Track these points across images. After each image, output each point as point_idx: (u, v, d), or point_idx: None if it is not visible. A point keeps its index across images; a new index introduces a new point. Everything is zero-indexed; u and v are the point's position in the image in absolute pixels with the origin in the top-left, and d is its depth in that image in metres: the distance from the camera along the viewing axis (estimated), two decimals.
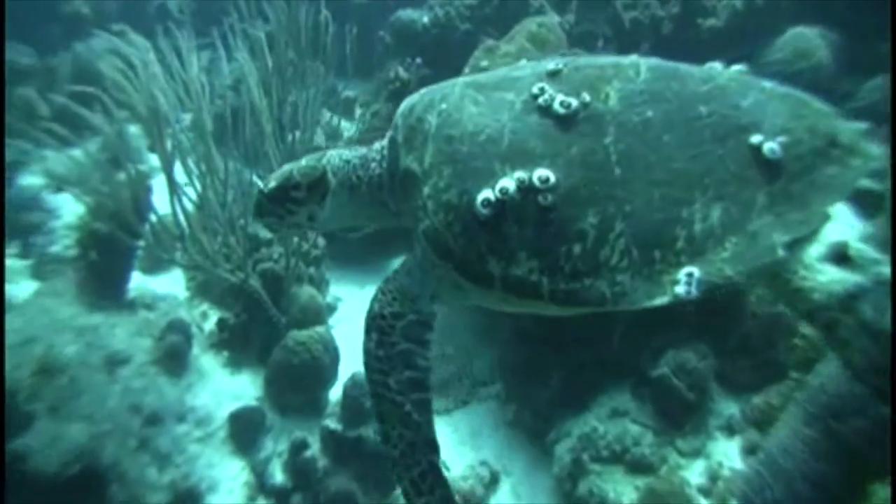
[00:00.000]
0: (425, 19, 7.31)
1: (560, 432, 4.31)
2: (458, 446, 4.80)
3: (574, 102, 1.93)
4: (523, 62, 2.31)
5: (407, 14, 7.47)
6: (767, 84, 1.98)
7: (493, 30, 6.98)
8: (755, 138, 1.84)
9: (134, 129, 8.07)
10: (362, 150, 2.45)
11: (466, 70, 6.21)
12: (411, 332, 2.13)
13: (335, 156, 2.44)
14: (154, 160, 6.95)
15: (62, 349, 4.57)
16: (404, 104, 2.27)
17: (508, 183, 1.89)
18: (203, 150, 4.72)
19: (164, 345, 4.70)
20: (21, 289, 6.45)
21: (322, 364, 4.74)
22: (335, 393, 4.84)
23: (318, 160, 2.43)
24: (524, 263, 1.89)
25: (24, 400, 4.25)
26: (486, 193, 1.92)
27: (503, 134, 1.96)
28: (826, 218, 1.84)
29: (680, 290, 1.78)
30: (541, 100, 1.97)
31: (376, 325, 2.14)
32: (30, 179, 8.15)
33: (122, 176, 5.16)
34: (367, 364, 2.13)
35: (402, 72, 6.94)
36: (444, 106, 2.10)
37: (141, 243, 4.79)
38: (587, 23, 6.78)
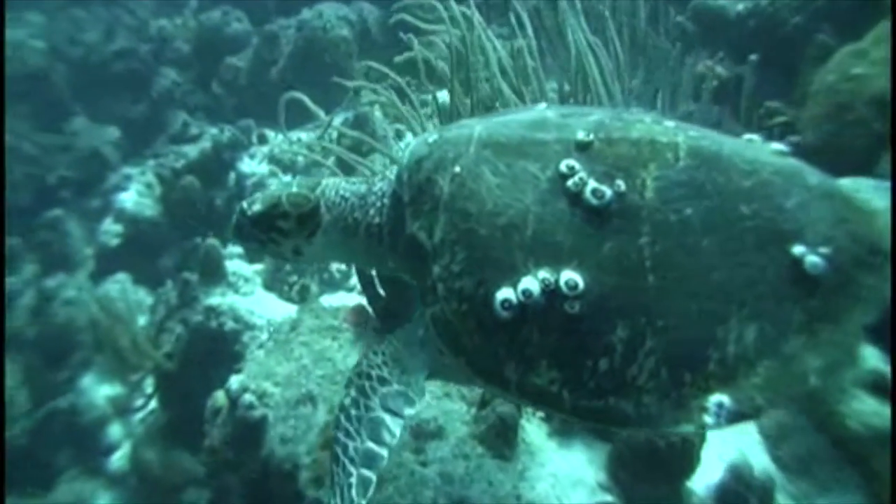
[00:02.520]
0: (740, 7, 6.03)
1: None
2: None
3: (608, 193, 1.83)
4: (543, 107, 2.24)
5: None
6: (812, 179, 1.88)
7: (828, 26, 5.69)
8: (797, 249, 1.76)
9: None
10: (361, 188, 2.37)
11: (830, 77, 4.94)
12: (392, 402, 2.05)
13: (331, 188, 2.37)
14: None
15: None
16: (409, 155, 2.16)
17: (532, 284, 1.81)
18: None
19: (490, 417, 3.60)
20: (257, 302, 5.61)
21: (692, 447, 3.67)
22: (699, 482, 3.78)
23: (311, 189, 2.36)
24: (544, 373, 1.83)
25: (307, 483, 3.43)
26: (507, 293, 1.83)
27: (527, 220, 1.87)
28: (860, 336, 1.79)
29: (709, 419, 1.72)
30: (570, 182, 1.86)
31: (358, 384, 2.09)
32: (249, 165, 7.41)
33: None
34: (337, 421, 2.07)
35: (719, 69, 5.76)
36: (457, 169, 2.01)
37: None
38: None
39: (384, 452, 2.00)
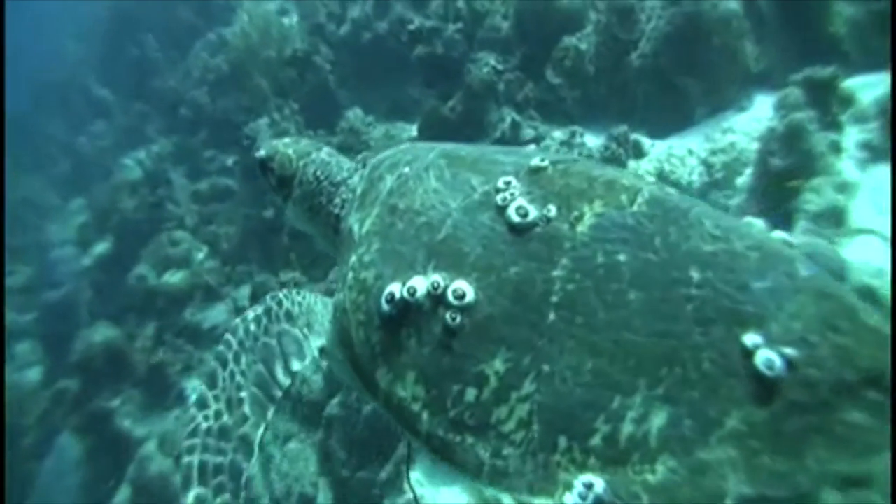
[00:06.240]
0: None
1: None
2: None
3: (532, 213, 1.76)
4: (532, 147, 2.34)
5: None
6: (805, 271, 1.58)
7: None
8: (751, 339, 1.50)
9: None
10: (339, 176, 2.44)
11: None
12: (287, 343, 2.12)
13: (314, 164, 2.46)
14: None
15: None
16: (378, 156, 2.27)
17: (420, 283, 1.77)
18: None
19: None
20: None
21: None
22: None
23: (300, 156, 2.48)
24: (410, 387, 1.76)
25: None
26: (394, 287, 1.81)
27: (444, 224, 1.87)
28: (820, 481, 1.42)
29: (569, 500, 1.52)
30: (499, 197, 1.82)
31: (267, 305, 2.18)
32: None
33: None
34: (232, 327, 2.13)
35: None
36: (406, 170, 2.07)
37: None
38: None
39: (276, 387, 2.04)
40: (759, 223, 1.84)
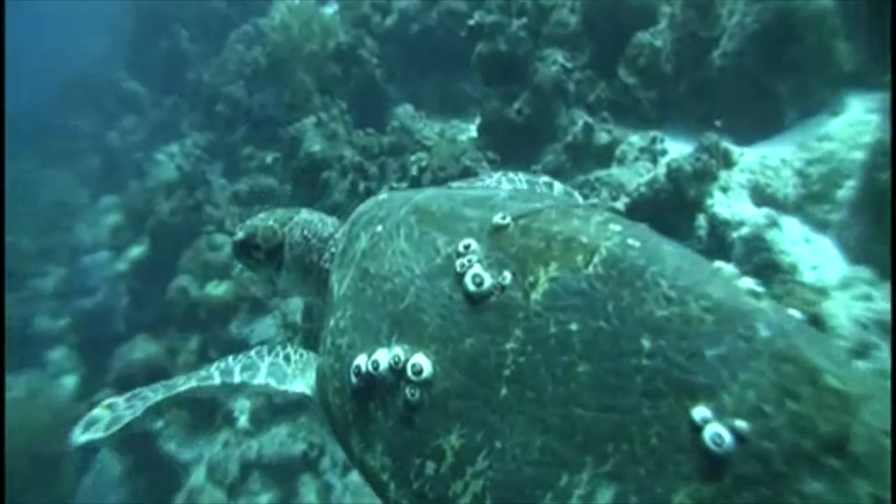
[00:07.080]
0: None
1: None
2: None
3: (487, 281, 1.75)
4: (505, 189, 2.27)
5: None
6: (765, 331, 1.50)
7: None
8: (699, 413, 1.44)
9: None
10: (327, 231, 2.56)
11: None
12: (275, 372, 2.23)
13: (299, 226, 2.57)
14: None
15: None
16: (358, 209, 2.34)
17: (383, 358, 1.83)
18: None
19: None
20: None
21: None
22: None
23: (282, 224, 2.58)
24: (378, 457, 1.83)
25: None
26: (360, 360, 1.88)
27: (407, 291, 1.89)
28: None
29: None
30: (458, 263, 1.82)
31: (272, 346, 2.34)
32: (725, 203, 5.16)
33: None
34: (236, 354, 2.32)
35: None
36: (379, 228, 2.11)
37: None
38: None
39: (233, 380, 2.21)
40: (728, 266, 1.68)
